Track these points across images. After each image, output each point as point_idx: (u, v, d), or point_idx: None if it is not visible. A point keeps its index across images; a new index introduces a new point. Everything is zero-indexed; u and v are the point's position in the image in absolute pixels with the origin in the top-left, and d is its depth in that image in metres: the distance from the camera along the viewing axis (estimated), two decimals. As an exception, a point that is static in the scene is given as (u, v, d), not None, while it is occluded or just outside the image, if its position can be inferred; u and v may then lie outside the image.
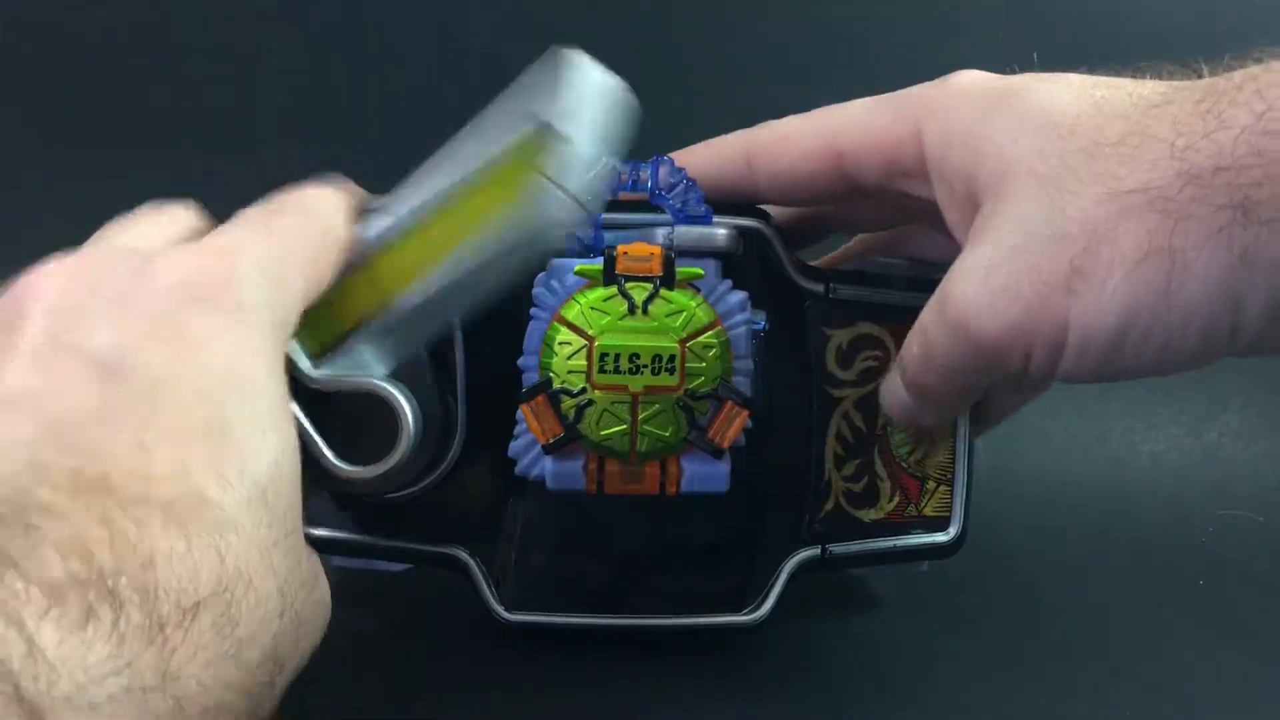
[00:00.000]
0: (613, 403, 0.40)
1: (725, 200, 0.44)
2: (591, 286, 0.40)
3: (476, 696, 0.44)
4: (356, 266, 0.38)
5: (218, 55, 0.69)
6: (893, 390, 0.44)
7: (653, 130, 0.68)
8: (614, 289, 0.40)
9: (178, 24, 0.69)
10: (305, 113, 0.64)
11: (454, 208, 0.37)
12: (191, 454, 0.29)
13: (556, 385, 0.40)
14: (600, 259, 0.40)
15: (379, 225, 0.38)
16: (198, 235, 0.36)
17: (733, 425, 0.40)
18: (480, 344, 0.44)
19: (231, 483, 0.29)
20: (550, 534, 0.46)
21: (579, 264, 0.41)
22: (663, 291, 0.40)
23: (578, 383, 0.40)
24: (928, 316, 0.40)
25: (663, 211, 0.43)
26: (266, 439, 0.31)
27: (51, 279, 0.31)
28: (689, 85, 0.69)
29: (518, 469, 0.42)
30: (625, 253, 0.40)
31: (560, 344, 0.40)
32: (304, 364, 0.38)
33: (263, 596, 0.29)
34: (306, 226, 0.36)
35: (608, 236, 0.43)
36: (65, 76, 0.69)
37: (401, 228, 0.38)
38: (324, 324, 0.38)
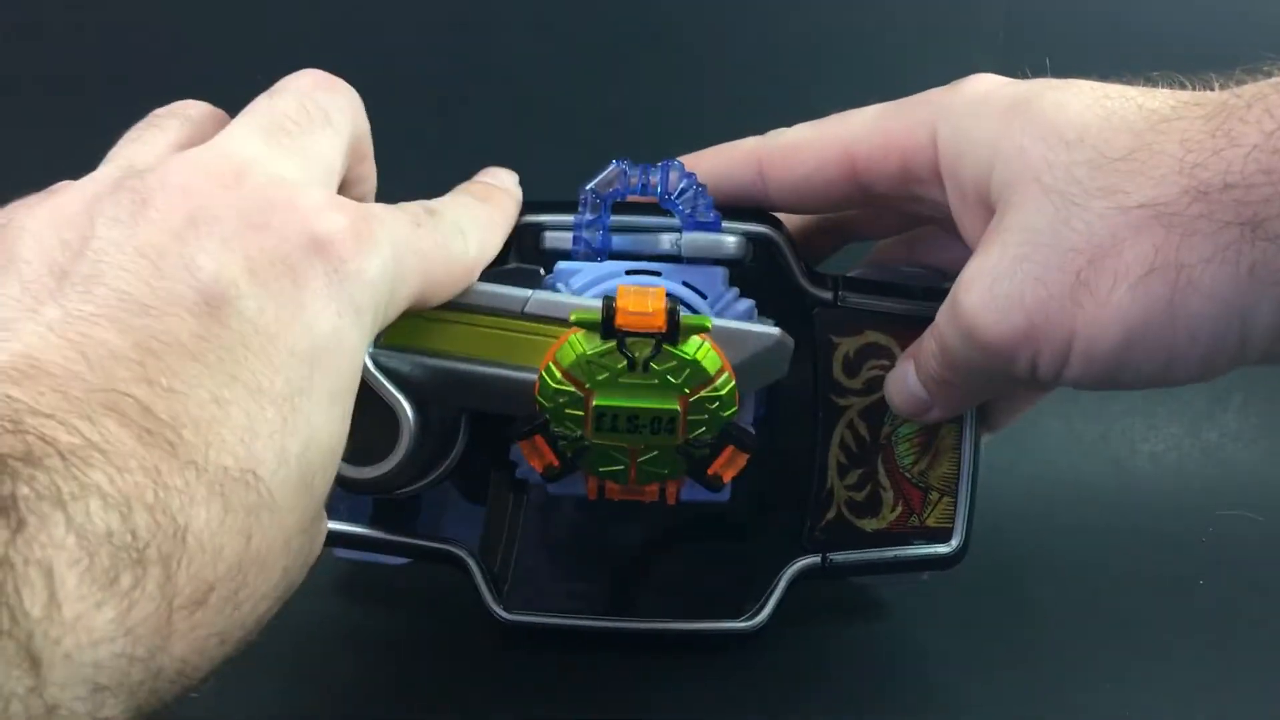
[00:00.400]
0: (611, 449, 0.39)
1: (735, 206, 0.43)
2: (590, 334, 0.38)
3: (473, 695, 0.44)
4: (466, 309, 0.38)
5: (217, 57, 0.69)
6: (901, 383, 0.43)
7: (660, 133, 0.69)
8: (613, 343, 0.37)
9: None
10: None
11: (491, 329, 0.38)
12: (262, 420, 0.27)
13: (554, 429, 0.39)
14: (599, 300, 0.37)
15: (521, 294, 0.38)
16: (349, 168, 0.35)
17: (734, 464, 0.39)
18: None
19: (289, 461, 0.28)
20: (550, 535, 0.46)
21: (575, 310, 0.38)
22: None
23: (575, 430, 0.39)
24: (941, 317, 0.40)
25: (672, 216, 0.42)
26: (334, 420, 0.30)
27: (191, 173, 0.30)
28: (695, 88, 0.68)
29: (518, 473, 0.42)
30: (625, 308, 0.37)
31: (556, 390, 0.38)
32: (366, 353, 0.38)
33: (268, 579, 0.28)
34: (451, 243, 0.36)
35: (616, 240, 0.42)
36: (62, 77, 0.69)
37: (530, 310, 0.38)
38: (403, 330, 0.38)
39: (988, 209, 0.39)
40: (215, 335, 0.27)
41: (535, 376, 0.38)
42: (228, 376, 0.27)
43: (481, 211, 0.39)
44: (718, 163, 0.44)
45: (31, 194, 0.31)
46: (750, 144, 0.44)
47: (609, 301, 0.37)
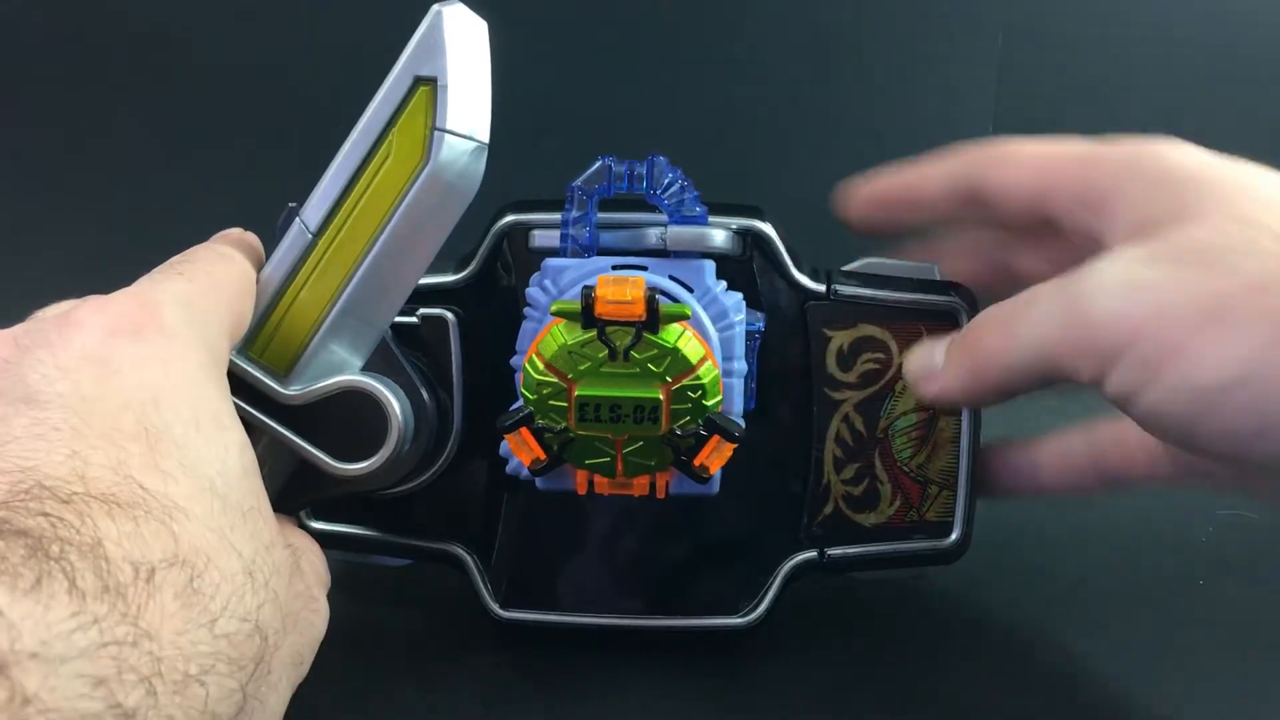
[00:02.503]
0: (596, 440, 0.38)
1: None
2: (571, 324, 0.37)
3: (472, 694, 0.42)
4: (297, 270, 0.38)
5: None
6: (929, 359, 0.40)
7: (649, 131, 0.68)
8: (593, 333, 0.37)
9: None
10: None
11: (369, 187, 0.37)
12: (127, 455, 0.29)
13: (539, 421, 0.38)
14: (579, 295, 0.37)
15: (309, 221, 0.38)
16: None
17: (720, 454, 0.38)
18: (475, 343, 0.43)
19: (174, 475, 0.30)
20: (545, 533, 0.44)
21: (557, 301, 0.37)
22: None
23: (560, 421, 0.38)
24: (1050, 285, 0.36)
25: (658, 211, 0.40)
26: (205, 437, 0.31)
27: (38, 325, 0.33)
28: (686, 85, 0.67)
29: (508, 468, 0.40)
30: (604, 296, 0.36)
31: (539, 382, 0.37)
32: (274, 385, 0.38)
33: (228, 574, 0.29)
34: (219, 264, 0.37)
35: (604, 237, 0.40)
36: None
37: (327, 221, 0.37)
38: (285, 338, 0.38)
39: (1142, 233, 0.35)
40: (48, 419, 0.30)
41: (394, 210, 0.37)
42: (75, 438, 0.29)
43: (218, 244, 0.39)
44: (931, 165, 0.43)
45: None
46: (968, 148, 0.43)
47: (588, 291, 0.36)
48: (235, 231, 0.40)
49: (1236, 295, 0.32)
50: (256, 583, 0.30)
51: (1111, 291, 0.34)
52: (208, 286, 0.36)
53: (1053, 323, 0.35)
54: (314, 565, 0.38)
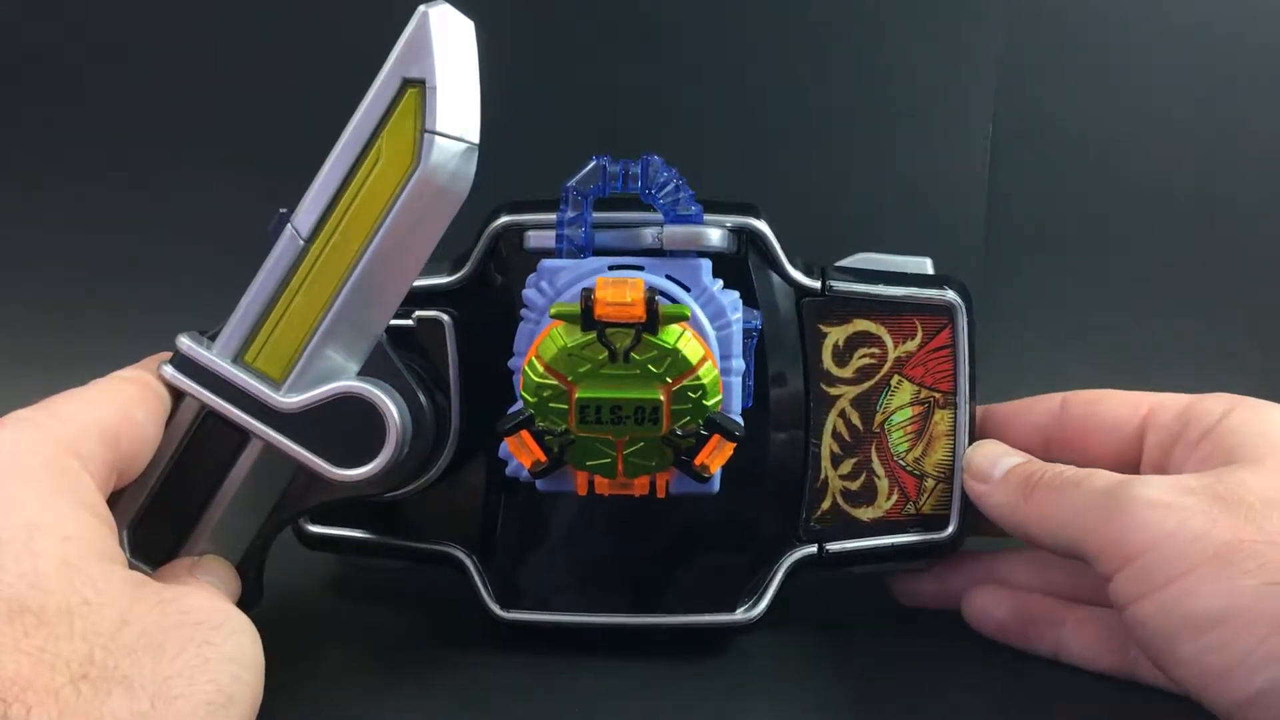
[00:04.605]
0: (597, 442, 0.37)
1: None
2: (570, 327, 0.36)
3: (473, 695, 0.41)
4: (289, 277, 0.37)
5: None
6: (990, 466, 0.42)
7: (646, 131, 0.68)
8: (593, 335, 0.36)
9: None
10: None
11: (360, 191, 0.36)
12: None
13: (539, 424, 0.37)
14: (578, 297, 0.36)
15: (301, 227, 0.37)
16: None
17: (720, 453, 0.37)
18: (471, 344, 0.42)
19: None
20: (544, 533, 0.44)
21: (556, 304, 0.36)
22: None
23: (560, 424, 0.37)
24: (1104, 480, 0.38)
25: (653, 210, 0.39)
26: (10, 551, 0.30)
27: None
28: (680, 81, 0.66)
29: (508, 470, 0.39)
30: (604, 299, 0.35)
31: (539, 385, 0.36)
32: (270, 393, 0.37)
33: (46, 693, 0.27)
34: (65, 407, 0.35)
35: (600, 237, 0.39)
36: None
37: (319, 226, 0.37)
38: (279, 345, 0.37)
39: (1209, 463, 0.39)
40: None
41: (385, 213, 0.36)
42: None
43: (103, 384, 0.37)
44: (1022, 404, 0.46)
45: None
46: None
47: (587, 293, 0.35)
48: None
49: (1248, 543, 0.33)
50: (91, 683, 0.28)
51: (1149, 502, 0.36)
52: (63, 394, 0.35)
53: (1096, 512, 0.37)
54: (213, 594, 0.35)
